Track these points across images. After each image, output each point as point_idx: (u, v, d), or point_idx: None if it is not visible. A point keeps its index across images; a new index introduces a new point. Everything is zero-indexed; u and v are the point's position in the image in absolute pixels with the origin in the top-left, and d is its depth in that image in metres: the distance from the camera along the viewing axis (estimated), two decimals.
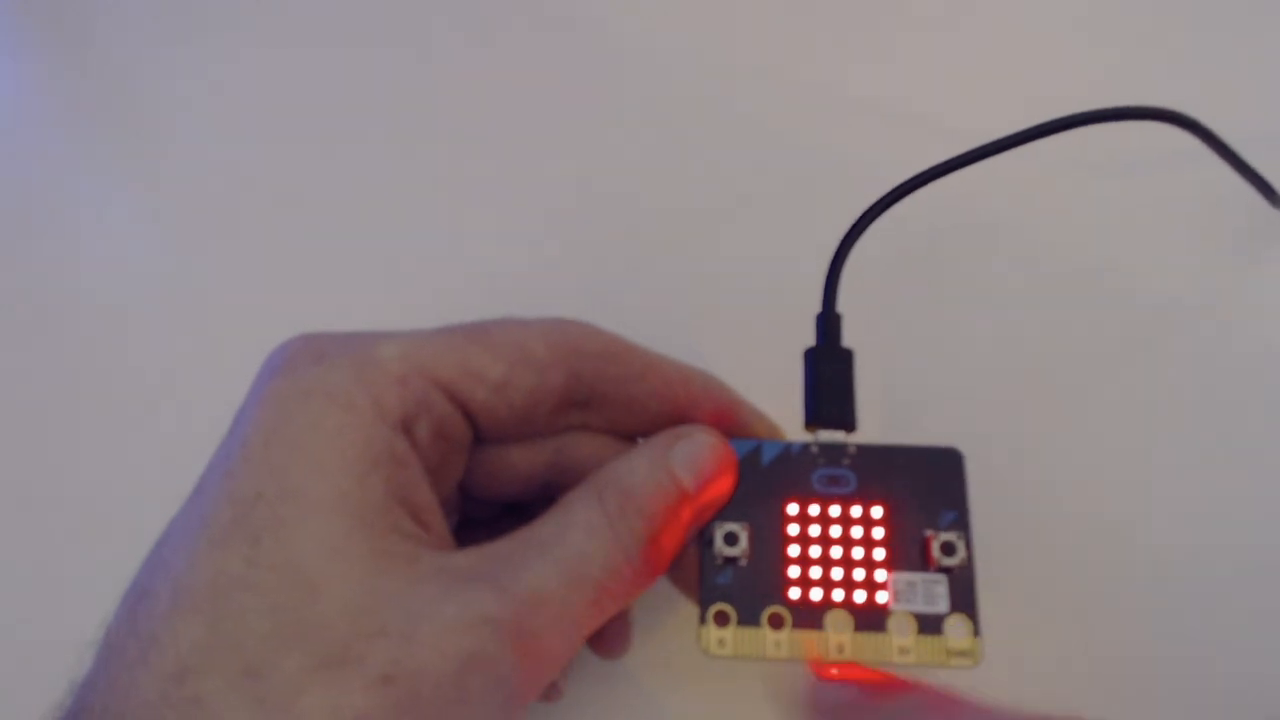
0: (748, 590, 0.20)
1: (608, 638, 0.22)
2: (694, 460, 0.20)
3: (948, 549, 0.20)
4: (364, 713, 0.15)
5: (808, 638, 0.19)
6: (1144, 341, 0.28)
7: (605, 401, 0.21)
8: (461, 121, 0.35)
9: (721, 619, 0.19)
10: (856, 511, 0.20)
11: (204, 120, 0.37)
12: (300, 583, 0.16)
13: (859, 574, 0.20)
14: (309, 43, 0.38)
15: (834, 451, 0.21)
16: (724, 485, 0.20)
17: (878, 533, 0.20)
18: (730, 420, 0.22)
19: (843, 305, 0.23)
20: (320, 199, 0.34)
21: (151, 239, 0.34)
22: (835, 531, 0.20)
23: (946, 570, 0.20)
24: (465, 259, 0.32)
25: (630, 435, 0.22)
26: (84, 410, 0.31)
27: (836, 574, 0.20)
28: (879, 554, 0.20)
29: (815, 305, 0.23)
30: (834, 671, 0.21)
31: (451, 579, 0.17)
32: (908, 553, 0.20)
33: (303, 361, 0.18)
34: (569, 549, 0.18)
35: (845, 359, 0.22)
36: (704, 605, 0.20)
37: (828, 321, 0.23)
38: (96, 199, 0.36)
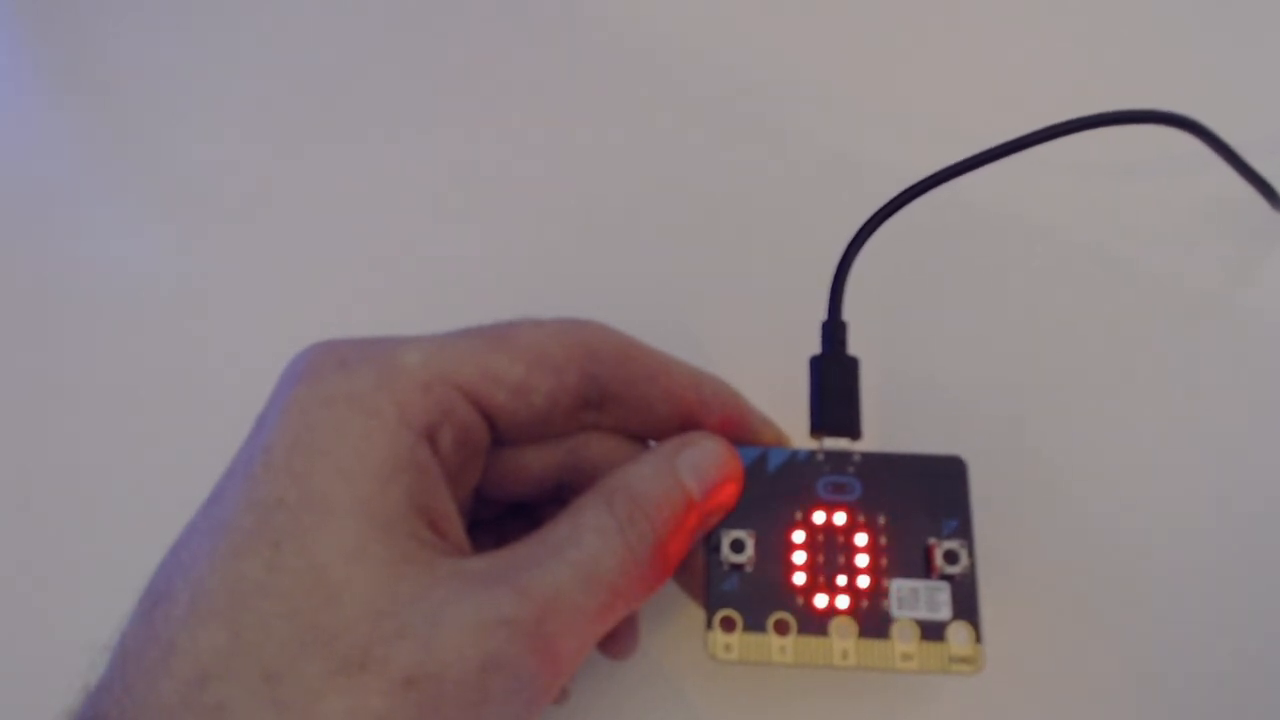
0: (753, 596, 0.20)
1: (616, 639, 0.23)
2: (700, 467, 0.20)
3: (950, 557, 0.20)
4: (385, 716, 0.15)
5: (812, 643, 0.20)
6: (1148, 345, 0.28)
7: (618, 402, 0.21)
8: (469, 122, 0.35)
9: (728, 625, 0.20)
10: (861, 519, 0.20)
11: (214, 124, 0.37)
12: (320, 588, 0.16)
13: (863, 581, 0.20)
14: (315, 42, 0.38)
15: (839, 459, 0.21)
16: (730, 492, 0.21)
17: (881, 540, 0.20)
18: (738, 426, 0.22)
19: (848, 313, 0.23)
20: (332, 201, 0.34)
21: (169, 243, 0.34)
22: (840, 539, 0.20)
23: (949, 578, 0.20)
24: (474, 261, 0.32)
25: (641, 436, 0.23)
26: (98, 413, 0.31)
27: (841, 581, 0.20)
28: (883, 561, 0.20)
29: (821, 313, 0.23)
30: None
31: (469, 582, 0.17)
32: (911, 560, 0.20)
33: (325, 368, 0.18)
34: (582, 552, 0.18)
35: (850, 367, 0.22)
36: (710, 611, 0.20)
37: (833, 329, 0.23)
38: (109, 204, 0.36)
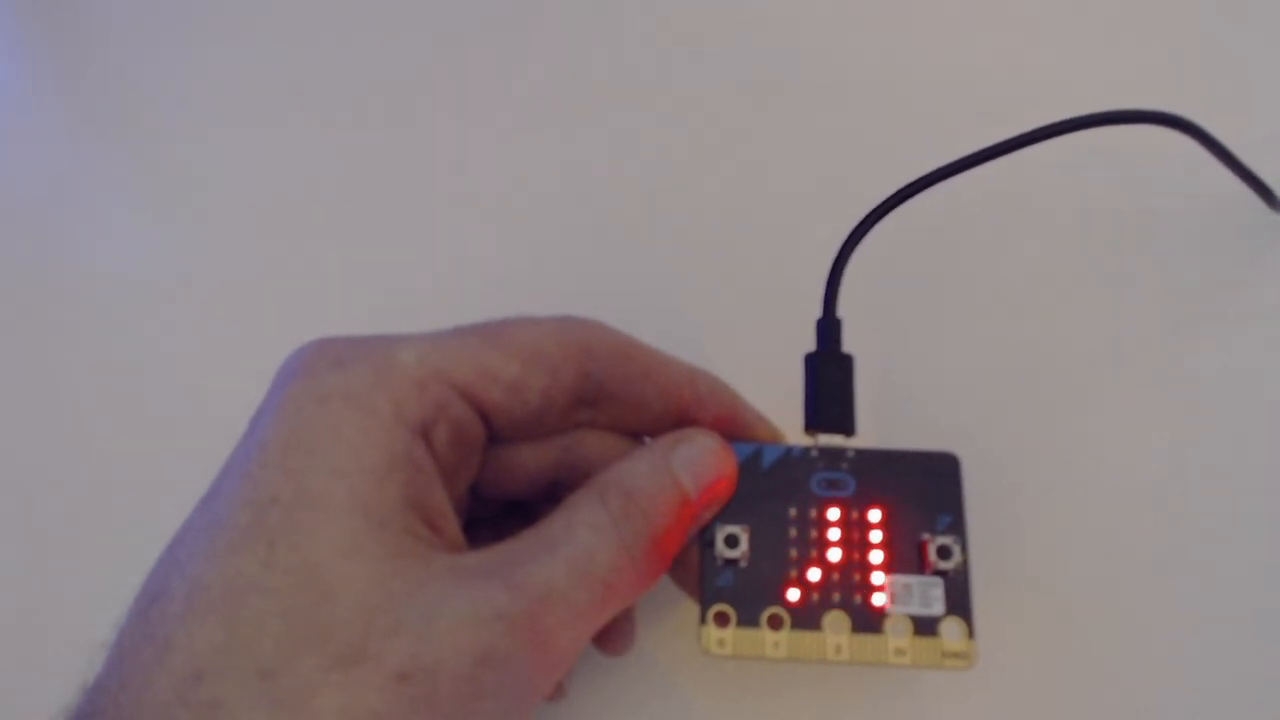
0: (747, 591, 0.20)
1: (612, 635, 0.23)
2: (695, 463, 0.20)
3: (944, 552, 0.20)
4: (380, 712, 0.15)
5: (806, 638, 0.20)
6: (1143, 345, 0.28)
7: (613, 400, 0.21)
8: (469, 121, 0.35)
9: (722, 619, 0.20)
10: (855, 515, 0.21)
11: (214, 124, 0.37)
12: (315, 584, 0.16)
13: (857, 576, 0.20)
14: (316, 38, 0.38)
15: (833, 456, 0.21)
16: (724, 488, 0.21)
17: (875, 536, 0.20)
18: (733, 422, 0.22)
19: (843, 310, 0.23)
20: (329, 200, 0.34)
21: (164, 243, 0.34)
22: (834, 534, 0.20)
23: (942, 573, 0.20)
24: (472, 260, 0.32)
25: (636, 434, 0.23)
26: (96, 411, 0.31)
27: (835, 576, 0.20)
28: (876, 557, 0.20)
29: (816, 310, 0.23)
30: None
31: (464, 577, 0.17)
32: (905, 556, 0.20)
33: (321, 366, 0.18)
34: (576, 547, 0.18)
35: (845, 364, 0.23)
36: (704, 606, 0.20)
37: (828, 327, 0.23)
38: (107, 202, 0.36)
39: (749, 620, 0.20)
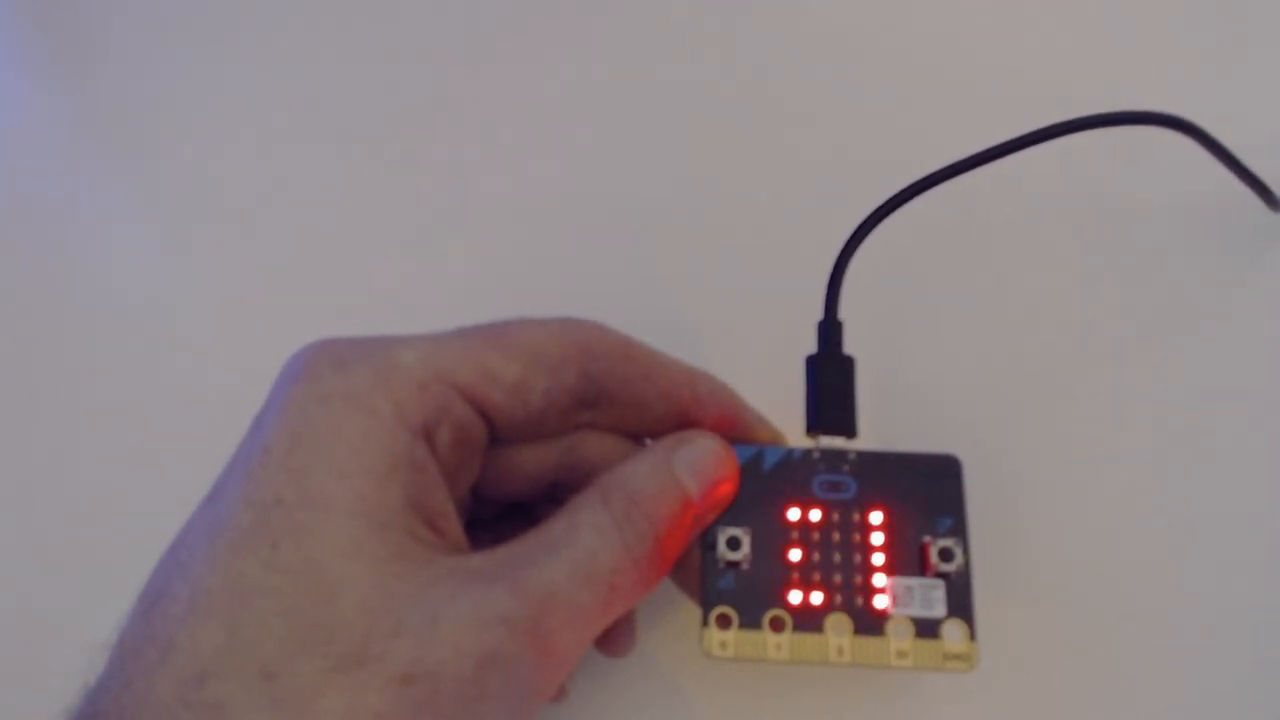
0: (749, 594, 0.20)
1: (613, 637, 0.23)
2: (697, 465, 0.20)
3: (945, 555, 0.20)
4: (382, 713, 0.15)
5: (808, 640, 0.20)
6: (1143, 346, 0.29)
7: (613, 401, 0.21)
8: (467, 125, 0.35)
9: (723, 622, 0.20)
10: (856, 517, 0.21)
11: (213, 123, 0.37)
12: (318, 585, 0.16)
13: (858, 579, 0.20)
14: (314, 48, 0.38)
15: (835, 458, 0.21)
16: (726, 490, 0.21)
17: (877, 538, 0.20)
18: (734, 423, 0.22)
19: (844, 312, 0.23)
20: (331, 202, 0.34)
21: (167, 245, 0.34)
22: (836, 536, 0.20)
23: (944, 575, 0.20)
24: (473, 261, 0.32)
25: (637, 435, 0.23)
26: (97, 413, 0.31)
27: (836, 578, 0.20)
28: (878, 559, 0.20)
29: (817, 312, 0.23)
30: None
31: (467, 579, 0.17)
32: (906, 558, 0.20)
33: (323, 367, 0.18)
34: (579, 549, 0.18)
35: (846, 366, 0.23)
36: (706, 608, 0.20)
37: (829, 329, 0.23)
38: (106, 204, 0.36)
39: (751, 622, 0.20)
